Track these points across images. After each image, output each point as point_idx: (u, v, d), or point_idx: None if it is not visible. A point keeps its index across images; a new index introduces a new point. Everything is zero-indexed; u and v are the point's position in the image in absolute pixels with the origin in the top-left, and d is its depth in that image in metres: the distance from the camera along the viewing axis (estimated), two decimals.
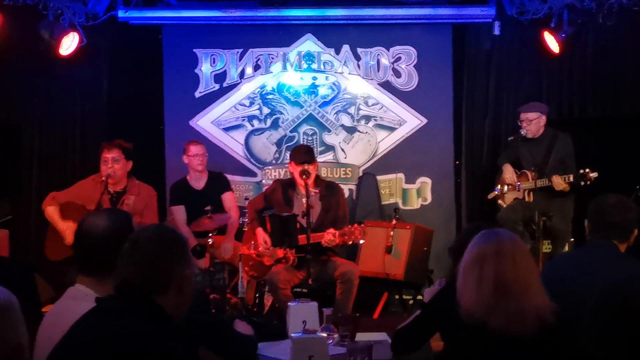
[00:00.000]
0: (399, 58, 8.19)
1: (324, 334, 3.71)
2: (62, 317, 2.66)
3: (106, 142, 6.46)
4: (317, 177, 6.37)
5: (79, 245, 2.91)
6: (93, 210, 5.78)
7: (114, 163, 6.30)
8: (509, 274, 2.67)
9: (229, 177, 7.38)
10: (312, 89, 8.23)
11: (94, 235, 2.83)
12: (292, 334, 3.67)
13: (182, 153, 7.15)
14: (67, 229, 6.22)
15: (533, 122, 6.95)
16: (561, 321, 2.73)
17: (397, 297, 7.35)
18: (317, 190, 6.23)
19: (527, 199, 6.87)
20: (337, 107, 8.21)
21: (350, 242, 6.08)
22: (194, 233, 6.59)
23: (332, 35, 8.23)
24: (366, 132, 8.21)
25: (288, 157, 7.78)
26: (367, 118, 8.21)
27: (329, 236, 5.95)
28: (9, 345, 1.92)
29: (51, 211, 6.38)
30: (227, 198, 7.07)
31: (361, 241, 6.20)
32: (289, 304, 4.29)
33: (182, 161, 7.16)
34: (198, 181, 7.10)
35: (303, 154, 6.23)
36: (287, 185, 6.39)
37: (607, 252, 3.53)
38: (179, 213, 7.02)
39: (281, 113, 8.20)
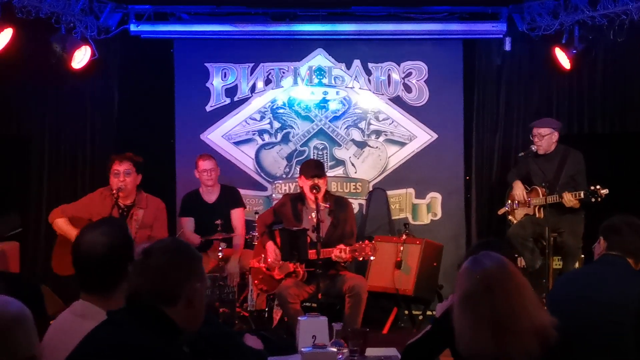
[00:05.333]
0: (410, 73, 8.20)
1: (334, 349, 3.70)
2: (66, 334, 2.64)
3: (116, 155, 6.38)
4: (327, 192, 6.37)
5: (79, 265, 2.83)
6: (88, 225, 5.74)
7: (125, 176, 6.22)
8: (504, 308, 2.50)
9: (240, 191, 7.40)
10: (323, 104, 8.23)
11: (92, 255, 2.77)
12: (302, 349, 3.67)
13: (193, 167, 7.18)
14: None
15: (545, 138, 6.92)
16: (561, 334, 2.65)
17: (406, 312, 7.33)
18: (327, 205, 6.23)
19: (537, 215, 6.84)
20: (348, 121, 8.21)
21: (361, 259, 6.08)
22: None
23: (343, 50, 8.24)
24: (376, 147, 8.20)
25: (298, 172, 7.80)
26: (378, 133, 8.21)
27: (338, 252, 5.95)
28: (22, 357, 1.92)
29: (62, 222, 6.30)
30: (236, 215, 7.08)
31: (372, 257, 6.17)
32: (299, 318, 4.28)
33: (193, 175, 7.19)
34: (210, 194, 7.13)
35: (314, 168, 6.23)
36: (296, 200, 6.39)
37: (619, 268, 3.53)
38: (188, 224, 7.04)
39: (292, 127, 8.21)
